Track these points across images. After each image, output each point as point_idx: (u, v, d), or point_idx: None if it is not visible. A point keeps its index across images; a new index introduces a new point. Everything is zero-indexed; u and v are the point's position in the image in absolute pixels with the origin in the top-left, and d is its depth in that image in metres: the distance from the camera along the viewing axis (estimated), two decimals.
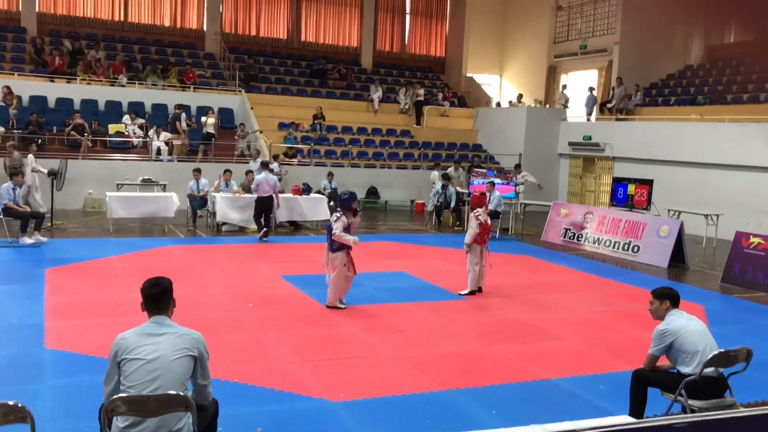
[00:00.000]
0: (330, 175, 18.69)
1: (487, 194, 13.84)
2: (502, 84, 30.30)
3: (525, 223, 17.27)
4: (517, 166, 18.81)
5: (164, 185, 16.23)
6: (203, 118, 20.00)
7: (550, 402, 5.96)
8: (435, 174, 18.66)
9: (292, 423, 5.32)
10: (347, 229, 8.66)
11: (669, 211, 15.85)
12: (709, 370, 4.90)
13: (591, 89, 23.79)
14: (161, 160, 18.53)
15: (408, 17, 29.03)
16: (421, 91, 24.81)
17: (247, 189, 14.96)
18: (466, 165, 20.34)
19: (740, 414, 3.35)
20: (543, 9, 27.28)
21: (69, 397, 5.59)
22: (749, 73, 21.47)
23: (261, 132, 20.73)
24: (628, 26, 23.44)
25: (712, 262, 13.83)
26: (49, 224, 13.76)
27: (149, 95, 21.47)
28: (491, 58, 29.87)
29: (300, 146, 20.76)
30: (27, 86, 19.95)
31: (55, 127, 18.91)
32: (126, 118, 19.92)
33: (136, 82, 21.77)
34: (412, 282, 10.65)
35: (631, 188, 14.82)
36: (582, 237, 15.05)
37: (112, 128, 19.51)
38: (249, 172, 15.38)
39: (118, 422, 3.63)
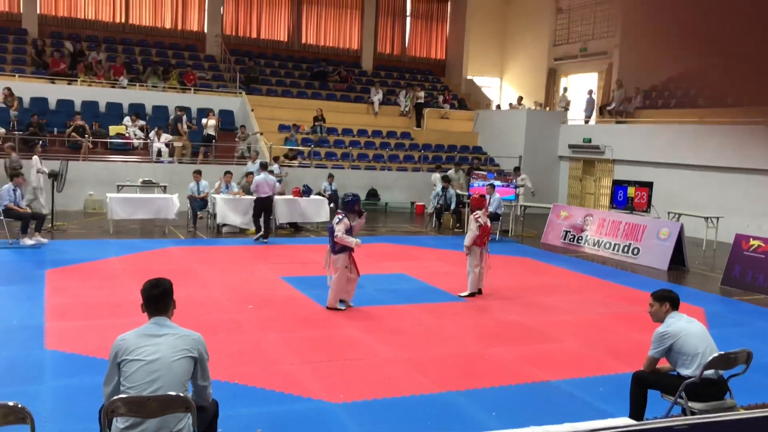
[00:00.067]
0: (330, 177, 18.72)
1: (487, 196, 13.85)
2: (503, 86, 30.32)
3: (525, 226, 17.28)
4: (516, 169, 18.83)
5: (165, 187, 16.25)
6: (204, 120, 20.01)
7: (550, 404, 5.96)
8: (436, 176, 18.67)
9: (291, 424, 5.32)
10: (350, 231, 8.66)
11: (669, 213, 15.86)
12: (709, 372, 4.90)
13: (590, 92, 23.82)
14: (162, 162, 18.55)
15: (408, 20, 29.08)
16: (422, 94, 24.84)
17: (247, 191, 14.97)
18: (465, 167, 20.35)
19: (740, 416, 3.35)
20: (543, 11, 27.30)
21: (69, 398, 5.59)
22: None
23: (261, 134, 20.75)
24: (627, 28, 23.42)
25: (712, 264, 13.84)
26: (50, 225, 13.76)
27: (150, 97, 21.49)
28: (491, 61, 29.89)
29: (300, 148, 20.77)
30: (28, 88, 19.97)
31: (55, 129, 18.93)
32: (126, 120, 19.94)
33: (137, 83, 21.79)
34: (412, 284, 10.65)
35: (631, 191, 14.83)
36: (582, 239, 15.05)
37: (113, 130, 19.53)
38: (249, 173, 15.39)
39: (118, 423, 3.63)
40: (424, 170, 21.66)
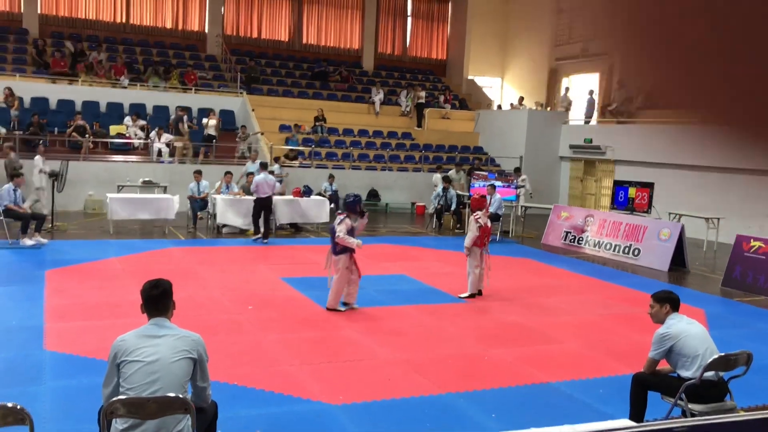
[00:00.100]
0: (331, 177, 18.71)
1: (488, 197, 13.84)
2: (504, 87, 30.30)
3: (525, 226, 17.28)
4: (517, 170, 18.82)
5: (165, 187, 16.26)
6: (204, 120, 20.02)
7: (550, 405, 5.95)
8: (437, 176, 18.66)
9: (291, 425, 5.31)
10: (351, 232, 8.64)
11: (670, 214, 15.84)
12: (710, 373, 4.89)
13: (591, 92, 23.80)
14: (162, 162, 18.55)
15: (409, 20, 29.07)
16: (423, 94, 24.83)
17: (247, 191, 14.96)
18: (466, 168, 20.35)
19: (740, 418, 3.34)
20: (544, 11, 27.29)
21: (68, 399, 5.59)
22: None
23: (262, 134, 20.75)
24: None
25: (712, 265, 13.82)
26: (50, 226, 13.76)
27: (150, 97, 21.49)
28: (492, 61, 29.87)
29: (301, 148, 20.77)
30: (28, 88, 19.97)
31: (56, 129, 18.94)
32: (127, 120, 19.94)
33: (138, 83, 21.79)
34: (412, 285, 10.64)
35: (632, 191, 14.82)
36: (582, 240, 15.04)
37: (113, 130, 19.54)
38: (250, 173, 15.38)
39: (117, 424, 3.63)
40: (425, 171, 21.65)
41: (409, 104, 24.72)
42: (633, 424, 4.99)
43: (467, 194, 17.24)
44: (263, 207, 14.02)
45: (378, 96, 24.44)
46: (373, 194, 20.82)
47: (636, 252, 13.80)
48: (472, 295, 9.80)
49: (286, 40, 26.97)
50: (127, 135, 19.51)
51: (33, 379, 5.99)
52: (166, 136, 19.13)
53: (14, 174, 12.81)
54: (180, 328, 3.98)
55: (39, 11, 22.97)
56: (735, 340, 7.84)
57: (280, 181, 16.83)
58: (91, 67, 21.60)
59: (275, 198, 15.01)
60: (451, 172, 19.02)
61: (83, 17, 23.78)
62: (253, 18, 26.34)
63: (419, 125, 24.41)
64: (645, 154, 19.64)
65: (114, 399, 3.60)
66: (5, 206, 12.09)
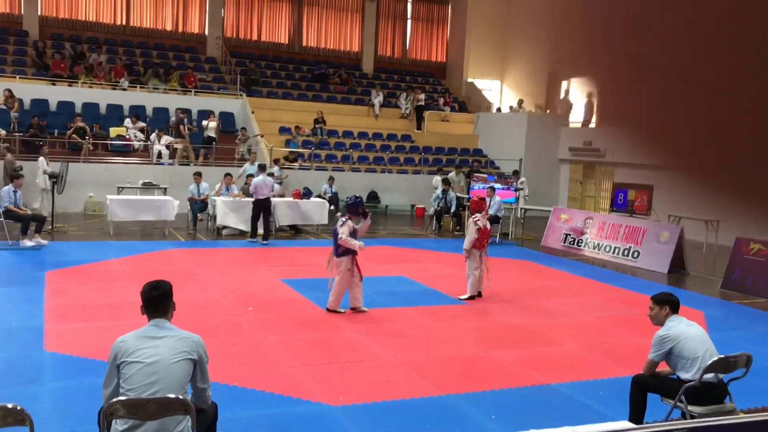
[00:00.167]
0: (331, 179, 18.72)
1: (488, 199, 13.85)
2: (503, 89, 30.31)
3: (525, 228, 17.28)
4: (515, 173, 18.84)
5: (165, 189, 16.26)
6: (204, 122, 20.03)
7: (550, 407, 5.95)
8: (437, 179, 18.68)
9: (291, 427, 5.31)
10: (354, 234, 8.64)
11: (669, 216, 15.85)
12: (709, 375, 4.89)
13: (589, 94, 23.81)
14: (162, 164, 18.55)
15: (409, 22, 29.11)
16: (422, 96, 24.85)
17: (247, 193, 14.96)
18: (466, 170, 20.37)
19: (740, 420, 3.34)
20: (544, 14, 27.31)
21: (68, 400, 5.59)
22: None
23: (262, 136, 20.76)
24: None
25: (712, 268, 13.83)
26: (50, 227, 13.76)
27: (150, 99, 21.51)
28: (492, 64, 29.88)
29: (301, 150, 20.78)
30: (28, 89, 19.99)
31: (56, 131, 18.95)
32: (127, 122, 19.96)
33: (138, 85, 21.80)
34: (412, 286, 10.64)
35: (632, 194, 14.83)
36: (582, 242, 15.05)
37: (113, 131, 19.55)
38: (249, 175, 15.38)
39: (117, 425, 3.63)
40: (425, 173, 21.67)
41: (409, 107, 24.74)
42: (633, 425, 5.00)
43: (467, 196, 17.26)
44: (262, 209, 14.03)
45: (378, 98, 24.46)
46: (373, 196, 20.83)
47: (635, 254, 13.81)
48: (471, 297, 9.80)
49: (286, 42, 26.99)
50: (127, 137, 19.51)
51: (33, 379, 5.99)
52: (166, 138, 19.14)
53: (14, 175, 12.81)
54: (180, 329, 3.98)
55: (39, 13, 22.99)
56: (734, 342, 7.85)
57: (280, 183, 16.84)
58: (91, 69, 21.62)
59: (275, 200, 15.03)
60: (451, 175, 19.04)
61: (83, 19, 23.81)
62: (253, 20, 26.37)
63: (419, 128, 24.43)
64: (644, 156, 19.66)
65: (114, 400, 3.60)
66: (5, 207, 12.09)
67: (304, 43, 27.25)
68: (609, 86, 24.08)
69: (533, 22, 27.99)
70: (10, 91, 19.06)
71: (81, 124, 18.74)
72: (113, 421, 3.62)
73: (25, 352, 6.71)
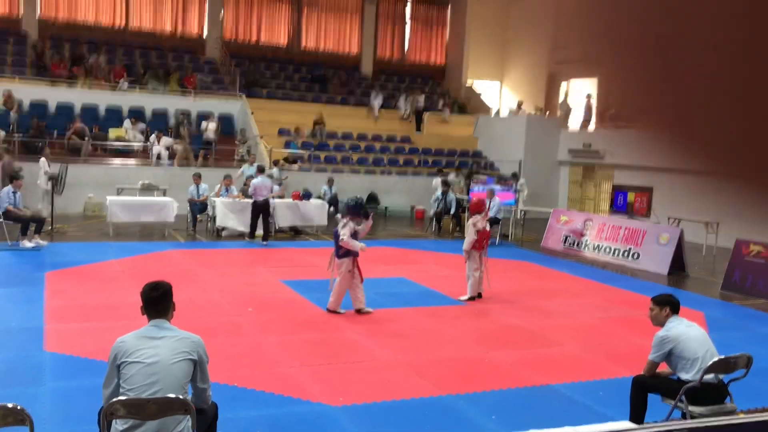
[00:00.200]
0: (330, 180, 18.72)
1: (487, 201, 13.85)
2: (503, 91, 30.34)
3: (525, 230, 17.28)
4: (514, 175, 18.83)
5: (164, 190, 16.26)
6: (203, 124, 20.03)
7: (550, 408, 5.95)
8: (437, 180, 18.69)
9: (291, 427, 5.31)
10: (355, 235, 8.63)
11: (669, 218, 15.85)
12: (709, 376, 4.89)
13: (588, 96, 23.84)
14: (162, 165, 18.54)
15: (408, 24, 29.12)
16: (422, 98, 24.86)
17: (247, 194, 14.96)
18: (464, 172, 20.37)
19: (740, 420, 3.34)
20: (543, 16, 27.34)
21: (68, 400, 5.58)
22: None
23: (261, 137, 20.76)
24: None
25: (712, 269, 13.83)
26: (50, 228, 13.75)
27: (150, 100, 21.50)
28: (491, 66, 29.91)
29: (300, 152, 20.78)
30: (28, 91, 19.98)
31: (55, 132, 18.94)
32: (126, 123, 19.95)
33: (137, 87, 21.80)
34: (411, 287, 10.64)
35: (631, 195, 14.83)
36: (582, 244, 15.05)
37: (113, 133, 19.55)
38: (249, 177, 15.39)
39: (118, 425, 3.63)
40: (424, 175, 21.67)
41: (408, 109, 24.75)
42: (633, 426, 5.00)
43: (466, 198, 17.26)
44: (261, 210, 14.03)
45: (377, 100, 24.46)
46: (372, 198, 20.82)
47: (635, 256, 13.81)
48: (471, 298, 9.80)
49: (286, 44, 26.99)
50: (127, 138, 19.51)
51: (33, 380, 5.99)
52: (166, 140, 19.14)
53: (14, 177, 12.81)
54: (180, 329, 3.98)
55: (38, 15, 22.98)
56: (734, 343, 7.84)
57: (280, 185, 16.84)
58: (91, 71, 21.62)
59: (275, 201, 15.03)
60: (451, 176, 19.04)
61: (83, 21, 23.78)
62: (253, 22, 26.37)
63: (418, 129, 24.43)
64: (644, 158, 19.65)
65: (114, 400, 3.60)
66: (5, 208, 12.09)
67: (304, 45, 27.25)
68: (609, 87, 24.11)
69: (532, 24, 28.03)
70: (9, 92, 19.06)
71: (80, 125, 18.73)
72: (113, 421, 3.62)
73: (25, 352, 6.71)
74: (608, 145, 20.91)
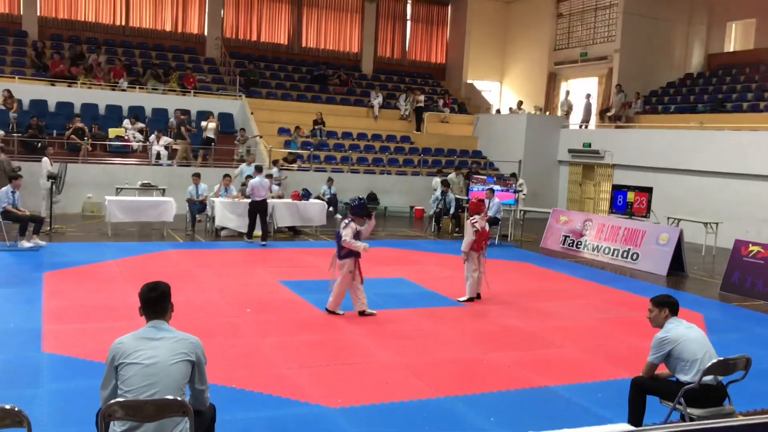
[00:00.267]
0: (329, 180, 18.72)
1: (487, 201, 13.84)
2: (503, 91, 30.34)
3: (524, 230, 17.28)
4: (513, 176, 18.83)
5: (163, 190, 16.25)
6: (203, 123, 20.02)
7: (549, 409, 5.95)
8: (437, 180, 18.68)
9: (289, 428, 5.30)
10: (357, 236, 8.63)
11: (668, 218, 15.85)
12: (708, 378, 4.89)
13: (588, 96, 23.86)
14: (161, 165, 18.54)
15: (409, 24, 29.12)
16: (422, 98, 24.85)
17: (246, 194, 14.94)
18: (465, 171, 20.37)
19: (739, 422, 3.33)
20: (544, 16, 27.37)
21: (66, 401, 5.58)
22: (749, 81, 21.53)
23: (261, 137, 20.75)
24: (628, 34, 23.52)
25: (711, 270, 13.83)
26: (48, 228, 13.74)
27: (149, 99, 21.50)
28: (491, 65, 29.92)
29: (300, 151, 20.78)
30: (27, 90, 19.97)
31: (55, 131, 18.93)
32: (126, 123, 19.94)
33: (137, 86, 21.80)
34: (410, 288, 10.63)
35: (631, 196, 14.82)
36: (581, 244, 15.04)
37: (112, 132, 19.53)
38: (248, 176, 15.37)
39: (116, 427, 3.62)
40: (424, 174, 21.66)
41: (408, 108, 24.74)
42: (632, 428, 5.00)
43: (466, 198, 17.25)
44: (259, 210, 14.03)
45: (377, 99, 24.45)
46: (372, 198, 20.81)
47: (635, 256, 13.81)
48: (470, 299, 9.80)
49: (286, 43, 26.99)
50: (126, 137, 19.50)
51: (31, 381, 5.98)
52: (165, 139, 19.13)
53: (13, 176, 12.79)
54: (178, 330, 3.98)
55: (38, 13, 22.98)
56: (733, 345, 7.85)
57: (279, 184, 16.83)
58: (90, 70, 21.60)
59: (274, 201, 15.03)
60: (451, 176, 19.03)
61: (82, 20, 23.79)
62: (253, 21, 26.37)
63: (418, 129, 24.43)
64: (644, 158, 19.67)
65: (112, 401, 3.60)
66: (4, 208, 12.07)
67: (304, 44, 27.25)
68: (609, 87, 24.13)
69: (533, 24, 28.05)
70: (9, 91, 19.05)
71: (80, 124, 18.73)
72: (111, 423, 3.61)
73: (23, 353, 6.70)
74: (608, 144, 20.92)
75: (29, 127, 17.94)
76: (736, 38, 24.13)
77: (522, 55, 29.07)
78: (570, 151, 22.30)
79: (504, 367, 7.04)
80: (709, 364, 4.84)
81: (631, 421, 5.20)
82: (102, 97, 20.92)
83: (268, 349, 7.21)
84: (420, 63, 29.44)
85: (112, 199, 14.50)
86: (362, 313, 8.69)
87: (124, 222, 14.45)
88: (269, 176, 15.33)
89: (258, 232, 14.21)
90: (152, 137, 19.07)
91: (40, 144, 17.53)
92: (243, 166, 16.99)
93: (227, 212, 14.64)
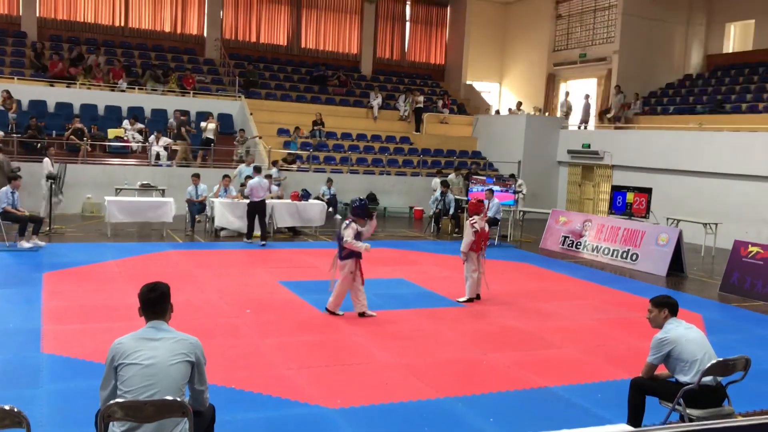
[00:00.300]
0: (329, 181, 18.72)
1: (486, 201, 13.84)
2: (502, 92, 30.36)
3: (524, 231, 17.28)
4: (512, 177, 18.83)
5: (163, 190, 16.25)
6: (203, 124, 20.02)
7: (548, 410, 5.95)
8: (436, 181, 18.68)
9: (288, 429, 5.30)
10: (358, 236, 8.62)
11: (668, 219, 15.86)
12: (708, 379, 4.89)
13: (587, 97, 23.87)
14: (160, 165, 18.53)
15: (408, 25, 29.14)
16: (421, 98, 24.87)
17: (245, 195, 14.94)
18: (464, 172, 20.38)
19: (738, 423, 3.33)
20: (543, 17, 27.39)
21: (65, 402, 5.57)
22: (748, 82, 21.55)
23: (260, 137, 20.75)
24: (627, 35, 23.55)
25: (710, 270, 13.83)
26: (48, 228, 13.73)
27: (149, 100, 21.50)
28: (491, 66, 29.95)
29: (299, 152, 20.78)
30: (27, 90, 19.97)
31: (54, 132, 18.92)
32: (125, 123, 19.94)
33: (136, 87, 21.79)
34: (410, 289, 10.63)
35: (630, 196, 14.82)
36: (581, 245, 15.04)
37: (112, 133, 19.53)
38: (248, 177, 15.38)
39: (115, 427, 3.62)
40: (423, 175, 21.67)
41: (408, 109, 24.75)
42: (631, 428, 4.99)
43: (465, 198, 17.25)
44: (257, 211, 14.03)
45: (376, 100, 24.46)
46: (371, 198, 20.80)
47: (634, 257, 13.81)
48: (470, 300, 9.80)
49: (285, 44, 27.00)
50: (125, 138, 19.50)
51: (30, 382, 5.98)
52: (165, 140, 19.12)
53: (12, 177, 12.79)
54: (178, 331, 3.97)
55: (37, 14, 22.98)
56: (733, 346, 7.86)
57: (279, 185, 16.83)
58: (90, 70, 21.60)
59: (273, 201, 15.03)
60: (451, 176, 19.04)
61: (82, 20, 23.79)
62: (252, 22, 26.37)
63: (417, 130, 24.44)
64: (643, 159, 19.69)
65: (111, 402, 3.59)
66: (3, 209, 12.07)
67: (303, 45, 27.26)
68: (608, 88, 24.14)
69: (532, 25, 28.07)
70: (8, 92, 19.05)
71: (79, 125, 18.72)
72: (111, 423, 3.61)
73: (23, 353, 6.69)
74: (607, 145, 20.93)
75: (28, 128, 17.94)
76: (735, 39, 24.17)
77: (521, 56, 29.09)
78: (569, 151, 22.31)
79: (503, 367, 7.04)
80: (709, 364, 4.84)
81: (630, 422, 5.20)
82: (101, 97, 20.92)
83: (267, 349, 7.21)
84: (419, 64, 29.45)
85: (112, 199, 14.50)
86: (362, 315, 8.68)
87: (124, 222, 14.44)
88: (269, 177, 15.33)
89: (258, 232, 14.21)
90: (152, 138, 19.07)
91: (39, 145, 17.52)
92: (242, 166, 16.99)
93: (227, 213, 14.64)
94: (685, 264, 13.30)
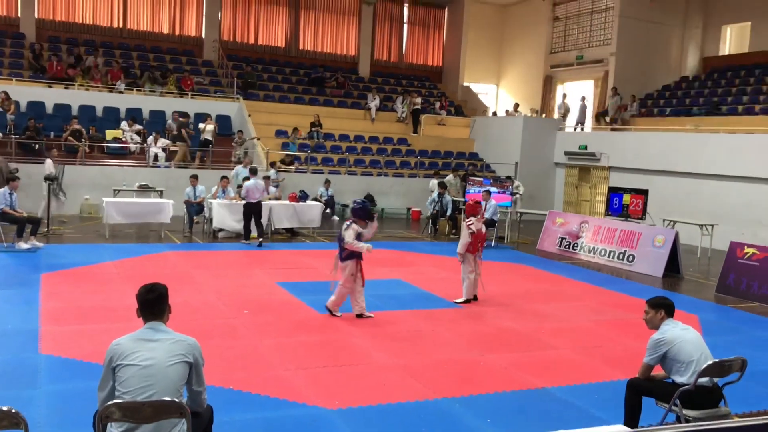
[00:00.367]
0: (327, 182, 18.74)
1: (483, 203, 13.86)
2: (499, 93, 30.41)
3: (521, 232, 17.31)
4: (509, 178, 18.85)
5: (161, 191, 16.25)
6: (201, 125, 20.02)
7: (545, 411, 5.97)
8: (433, 182, 18.70)
9: (287, 430, 5.31)
10: (359, 238, 8.63)
11: (664, 221, 15.89)
12: (704, 379, 4.91)
13: (583, 98, 23.91)
14: (159, 166, 18.54)
15: (406, 27, 29.17)
16: (418, 100, 24.90)
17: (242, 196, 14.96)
18: (461, 173, 20.40)
19: (735, 424, 3.36)
20: (540, 19, 27.44)
21: (63, 403, 5.58)
22: (744, 84, 21.61)
23: (258, 139, 20.76)
24: (624, 37, 23.61)
25: (706, 272, 13.87)
26: (46, 229, 13.73)
27: (147, 102, 21.50)
28: (488, 68, 29.99)
29: (297, 153, 20.79)
30: (25, 92, 19.96)
31: (52, 133, 18.92)
32: (123, 125, 19.93)
33: (134, 88, 21.79)
34: (407, 290, 10.65)
35: (627, 198, 14.86)
36: (577, 246, 15.08)
37: (110, 134, 19.53)
38: (245, 178, 15.38)
39: (113, 428, 3.63)
40: (420, 176, 21.69)
41: (405, 110, 24.78)
42: (628, 429, 5.01)
43: (463, 200, 17.27)
44: (253, 212, 14.04)
45: (374, 102, 24.49)
46: (369, 199, 20.81)
47: (630, 258, 13.84)
48: (467, 301, 9.82)
49: (283, 45, 27.01)
50: (124, 139, 19.50)
51: (28, 382, 5.98)
52: (163, 141, 19.13)
53: (10, 178, 12.78)
54: (175, 332, 3.99)
55: (36, 16, 22.97)
56: (729, 347, 7.88)
57: (277, 186, 16.84)
58: (88, 72, 21.60)
59: (271, 203, 15.04)
60: (448, 178, 19.06)
61: (80, 22, 23.78)
62: (250, 24, 26.38)
63: (415, 131, 24.46)
64: (640, 160, 19.74)
65: (109, 403, 3.60)
66: (1, 210, 12.06)
67: (301, 47, 27.27)
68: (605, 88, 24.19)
69: (529, 27, 28.12)
70: (6, 93, 19.03)
71: (77, 126, 18.72)
72: (109, 424, 3.62)
73: (21, 354, 6.69)
74: (604, 147, 20.98)
75: (27, 129, 17.93)
76: (731, 41, 24.24)
77: (518, 58, 29.14)
78: (566, 153, 22.36)
79: (500, 368, 7.06)
80: (705, 365, 4.86)
81: (627, 423, 5.21)
82: (99, 99, 20.92)
83: (265, 350, 7.23)
84: (417, 66, 29.48)
85: (110, 200, 14.50)
86: (360, 316, 8.70)
87: (122, 223, 14.44)
88: (266, 178, 15.34)
89: (255, 233, 14.21)
90: (150, 139, 19.07)
91: (37, 146, 17.51)
92: (239, 167, 17.00)
93: (225, 214, 14.64)
94: (681, 265, 13.33)
